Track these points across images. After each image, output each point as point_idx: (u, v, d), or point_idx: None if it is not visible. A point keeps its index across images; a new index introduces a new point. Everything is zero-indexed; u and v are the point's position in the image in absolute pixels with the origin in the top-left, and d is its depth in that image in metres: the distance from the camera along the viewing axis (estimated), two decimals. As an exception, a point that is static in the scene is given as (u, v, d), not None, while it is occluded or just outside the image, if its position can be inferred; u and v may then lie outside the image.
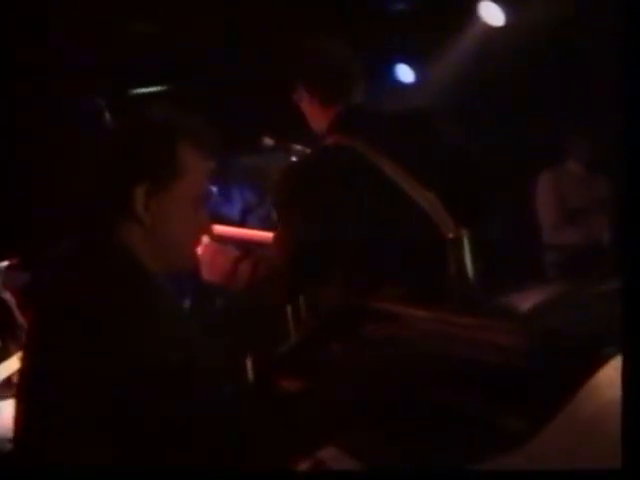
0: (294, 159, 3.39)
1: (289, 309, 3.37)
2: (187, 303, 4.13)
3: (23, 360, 1.88)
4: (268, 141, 3.56)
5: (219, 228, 3.11)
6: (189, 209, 1.93)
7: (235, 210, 6.34)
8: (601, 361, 1.50)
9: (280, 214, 2.98)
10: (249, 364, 2.48)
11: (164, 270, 1.95)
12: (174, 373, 1.71)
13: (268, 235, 3.05)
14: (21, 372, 1.87)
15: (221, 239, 3.04)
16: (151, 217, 1.86)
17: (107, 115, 2.81)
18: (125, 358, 1.67)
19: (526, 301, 1.85)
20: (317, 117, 3.04)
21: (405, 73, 7.31)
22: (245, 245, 3.09)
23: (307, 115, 3.10)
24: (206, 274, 3.00)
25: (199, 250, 2.98)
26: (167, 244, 1.93)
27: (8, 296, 3.95)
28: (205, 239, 3.00)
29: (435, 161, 2.86)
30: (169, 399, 1.69)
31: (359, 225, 2.79)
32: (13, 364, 3.47)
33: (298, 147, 3.42)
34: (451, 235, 2.37)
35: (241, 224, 6.15)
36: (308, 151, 3.31)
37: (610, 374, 1.47)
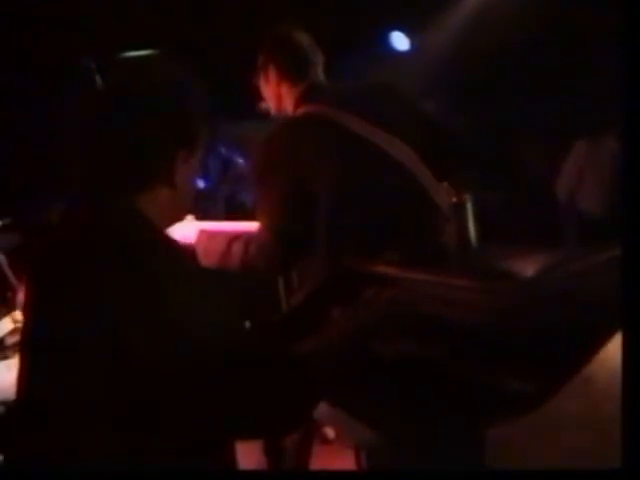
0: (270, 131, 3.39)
1: (281, 281, 3.37)
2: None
3: (25, 324, 1.86)
4: (265, 106, 3.54)
5: (209, 226, 3.16)
6: (199, 168, 1.97)
7: (228, 175, 6.33)
8: (610, 327, 1.50)
9: (260, 187, 2.98)
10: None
11: (167, 227, 1.95)
12: (192, 337, 1.72)
13: (254, 224, 3.06)
14: (24, 338, 1.86)
15: (212, 236, 3.07)
16: (179, 181, 1.88)
17: (97, 77, 2.78)
18: (148, 323, 1.67)
19: (531, 265, 1.84)
20: (282, 96, 3.07)
21: (400, 41, 7.28)
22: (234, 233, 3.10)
23: (270, 96, 3.13)
24: (203, 260, 3.02)
25: (193, 240, 3.02)
26: (184, 203, 1.97)
27: (0, 257, 3.93)
28: (196, 229, 3.06)
29: (405, 121, 2.90)
30: (184, 360, 1.69)
31: (341, 187, 2.78)
32: (4, 326, 3.45)
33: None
34: (454, 199, 2.35)
35: (234, 195, 6.16)
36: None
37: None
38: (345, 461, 3.30)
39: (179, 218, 2.04)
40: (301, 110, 3.00)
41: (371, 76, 3.44)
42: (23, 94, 6.10)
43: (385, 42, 7.20)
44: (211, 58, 6.47)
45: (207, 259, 3.01)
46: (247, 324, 2.42)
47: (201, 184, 6.38)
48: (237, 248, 2.95)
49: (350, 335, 1.90)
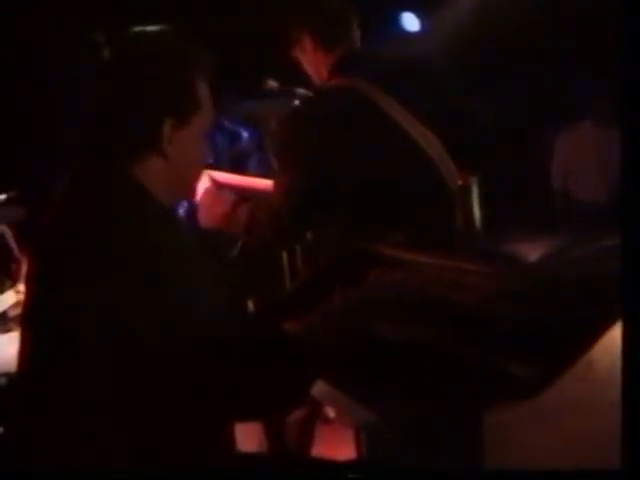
0: (297, 103, 3.36)
1: (285, 255, 3.36)
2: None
3: (27, 297, 1.86)
4: (272, 83, 3.52)
5: (219, 175, 3.11)
6: (201, 142, 1.95)
7: (234, 151, 6.32)
8: (613, 312, 1.49)
9: (280, 157, 2.96)
10: (251, 306, 2.48)
11: (169, 202, 1.94)
12: (194, 311, 1.71)
13: (267, 182, 3.04)
14: (24, 311, 1.86)
15: (220, 185, 3.03)
16: (173, 150, 1.86)
17: (106, 51, 2.76)
18: (146, 295, 1.66)
19: (535, 250, 1.83)
20: (319, 64, 3.02)
21: (411, 22, 7.24)
22: (243, 192, 3.07)
23: (308, 65, 3.09)
24: (205, 218, 2.99)
25: (198, 195, 2.98)
26: (183, 177, 1.95)
27: (4, 230, 3.92)
28: (203, 185, 3.01)
29: (440, 107, 2.87)
30: (184, 333, 1.68)
31: (363, 168, 2.77)
32: (8, 298, 3.45)
33: (302, 91, 3.40)
34: (460, 182, 2.34)
35: (239, 167, 6.15)
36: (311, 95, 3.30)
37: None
38: (345, 441, 3.29)
39: (183, 191, 2.01)
40: (334, 82, 2.96)
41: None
42: (28, 68, 6.08)
43: (395, 23, 7.17)
44: (219, 36, 6.45)
45: (209, 218, 2.98)
46: (250, 303, 2.43)
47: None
48: (243, 212, 2.93)
49: (350, 315, 1.89)
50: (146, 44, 1.91)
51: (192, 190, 2.09)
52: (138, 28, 1.95)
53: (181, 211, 3.49)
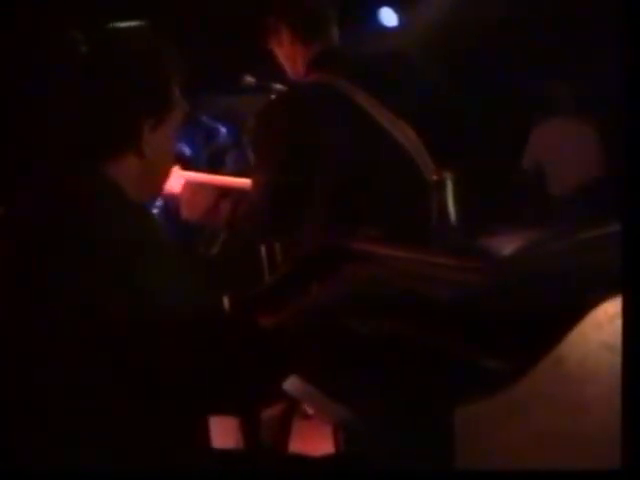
0: (273, 98, 3.36)
1: (263, 249, 3.35)
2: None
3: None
4: (249, 79, 3.52)
5: (197, 176, 3.11)
6: (173, 139, 1.96)
7: (210, 149, 6.32)
8: (585, 306, 1.49)
9: (258, 153, 2.96)
10: (226, 301, 2.47)
11: (141, 199, 1.94)
12: (170, 308, 1.71)
13: (244, 181, 3.04)
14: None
15: (200, 182, 3.03)
16: (148, 149, 1.86)
17: (83, 49, 2.75)
18: (117, 292, 1.66)
19: (508, 244, 1.83)
20: (296, 58, 3.02)
21: (389, 17, 7.24)
22: (223, 189, 3.06)
23: (285, 59, 3.08)
24: (186, 213, 2.99)
25: (179, 190, 2.97)
26: (155, 175, 1.96)
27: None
28: (182, 179, 3.00)
29: (416, 101, 2.87)
30: (161, 330, 1.68)
31: (339, 163, 2.78)
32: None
33: (279, 87, 3.39)
34: (435, 177, 2.34)
35: (217, 164, 6.14)
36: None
37: (598, 318, 1.46)
38: (324, 437, 3.29)
39: (154, 189, 2.02)
40: (311, 77, 2.96)
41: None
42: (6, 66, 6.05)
43: (374, 19, 7.17)
44: (197, 31, 6.44)
45: (190, 212, 2.98)
46: (225, 298, 2.41)
47: (186, 151, 6.36)
48: (225, 206, 2.92)
49: (324, 310, 1.89)
50: (125, 43, 1.91)
51: (162, 187, 2.09)
52: (116, 26, 1.95)
53: (160, 207, 3.48)
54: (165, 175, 2.03)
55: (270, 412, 3.09)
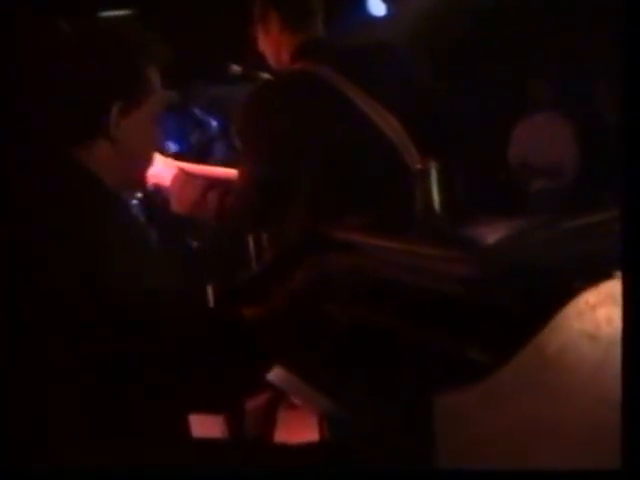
0: (259, 87, 3.35)
1: (251, 240, 3.35)
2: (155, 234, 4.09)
3: None
4: (236, 69, 3.51)
5: (187, 166, 3.10)
6: (151, 127, 1.94)
7: (199, 139, 6.30)
8: (567, 295, 1.49)
9: (244, 142, 2.95)
10: (210, 291, 2.47)
11: (121, 189, 1.93)
12: (140, 296, 1.70)
13: (232, 171, 3.03)
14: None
15: (189, 173, 3.02)
16: (120, 135, 1.85)
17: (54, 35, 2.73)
18: (88, 279, 1.65)
19: (492, 234, 1.83)
20: (281, 46, 3.01)
21: (377, 7, 7.22)
22: (212, 180, 3.05)
23: (270, 46, 3.07)
24: (175, 204, 2.99)
25: (169, 181, 2.96)
26: (131, 162, 1.94)
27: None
28: (173, 170, 2.99)
29: (401, 91, 2.87)
30: (132, 320, 1.67)
31: (324, 152, 2.77)
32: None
33: (266, 76, 3.38)
34: (419, 166, 2.34)
35: (205, 153, 6.12)
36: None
37: (579, 307, 1.45)
38: (310, 427, 3.29)
39: (132, 177, 1.99)
40: (297, 65, 2.95)
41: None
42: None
43: (361, 9, 7.15)
44: (187, 21, 6.43)
45: (179, 204, 2.98)
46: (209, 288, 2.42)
47: (174, 146, 6.35)
48: (213, 198, 2.92)
49: (307, 299, 1.89)
50: (94, 28, 1.90)
51: (142, 176, 2.07)
52: (88, 13, 1.94)
53: (142, 197, 3.47)
54: (144, 163, 2.01)
55: (255, 402, 3.09)
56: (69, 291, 1.64)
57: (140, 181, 2.11)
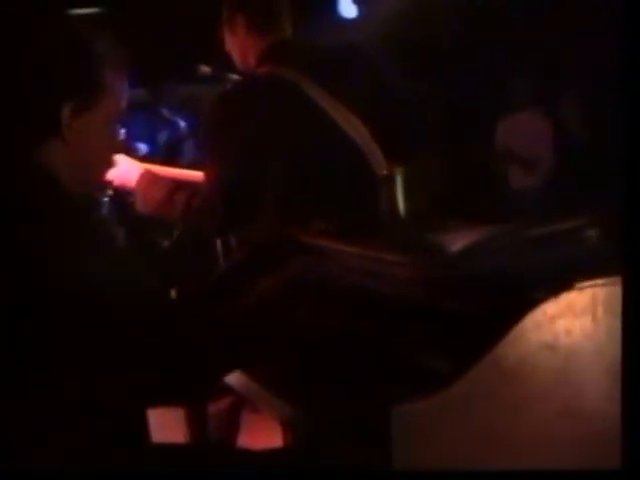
0: (228, 87, 3.34)
1: (219, 243, 3.34)
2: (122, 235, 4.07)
3: None
4: (205, 69, 3.50)
5: (154, 168, 3.08)
6: (108, 128, 1.92)
7: (167, 139, 6.29)
8: (528, 305, 1.49)
9: (210, 146, 2.95)
10: (173, 293, 2.45)
11: (80, 191, 1.92)
12: (102, 296, 1.69)
13: (199, 174, 3.02)
14: None
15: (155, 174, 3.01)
16: (74, 136, 1.83)
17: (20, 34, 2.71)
18: (52, 280, 1.64)
19: (457, 242, 1.83)
20: (248, 48, 3.00)
21: (348, 8, 7.22)
22: (178, 181, 3.04)
23: (236, 48, 3.06)
24: (140, 205, 2.97)
25: (134, 182, 2.95)
26: (87, 162, 1.92)
27: None
28: (139, 170, 2.98)
29: (368, 95, 2.87)
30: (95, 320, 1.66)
31: (291, 157, 2.77)
32: None
33: (235, 77, 3.38)
34: (385, 172, 2.34)
35: (173, 153, 6.11)
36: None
37: (538, 318, 1.45)
38: (274, 432, 3.28)
39: (90, 178, 1.96)
40: (264, 69, 2.94)
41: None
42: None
43: (332, 10, 7.15)
44: (156, 21, 6.41)
45: (145, 204, 2.96)
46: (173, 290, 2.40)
47: (143, 147, 6.33)
48: (179, 199, 2.90)
49: (270, 304, 1.88)
50: (46, 26, 1.88)
51: (100, 178, 2.05)
52: (56, 11, 1.92)
53: (110, 198, 3.45)
54: (102, 164, 1.98)
55: (218, 406, 3.07)
56: (28, 290, 1.62)
57: (99, 183, 2.08)
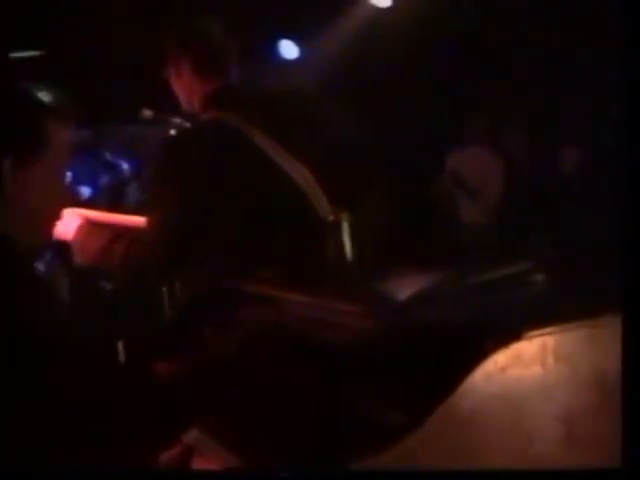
0: (172, 133, 3.33)
1: (165, 291, 3.32)
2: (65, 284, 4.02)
3: None
4: (147, 112, 3.49)
5: (92, 214, 3.04)
6: (53, 179, 1.89)
7: (110, 182, 6.22)
8: (478, 354, 1.49)
9: (153, 192, 2.92)
10: (120, 347, 2.42)
11: (28, 242, 1.88)
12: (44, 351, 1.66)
13: (141, 220, 2.99)
14: None
15: (94, 223, 2.97)
16: (17, 189, 1.80)
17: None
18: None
19: (404, 290, 1.82)
20: (193, 91, 2.99)
21: (289, 49, 7.25)
22: (119, 229, 3.01)
23: (181, 91, 3.05)
24: (78, 255, 2.93)
25: (72, 233, 2.91)
26: (32, 214, 1.88)
27: None
28: (78, 221, 2.94)
29: (312, 140, 2.87)
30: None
31: (235, 203, 2.75)
32: None
33: (177, 120, 3.36)
34: (331, 217, 2.33)
35: (117, 196, 6.05)
36: (187, 125, 3.26)
37: (488, 368, 1.46)
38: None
39: (37, 233, 1.94)
40: (209, 114, 2.93)
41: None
42: None
43: (273, 51, 7.16)
44: (98, 63, 6.38)
45: (83, 255, 2.91)
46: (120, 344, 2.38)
47: (85, 190, 6.25)
48: (118, 249, 2.87)
49: (224, 359, 1.86)
50: None
51: (47, 230, 2.02)
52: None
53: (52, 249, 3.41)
54: (48, 219, 1.95)
55: (168, 454, 3.03)
56: None
57: (46, 234, 2.04)
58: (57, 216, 2.01)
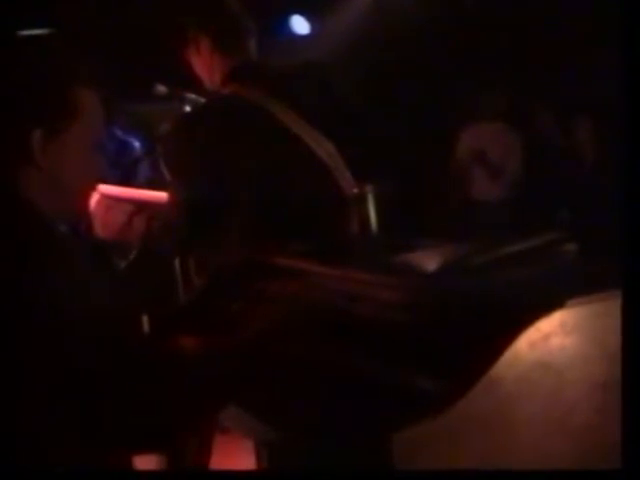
0: (187, 109, 3.32)
1: (177, 264, 3.31)
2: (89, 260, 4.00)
3: None
4: (161, 88, 3.47)
5: (109, 188, 3.03)
6: (86, 153, 1.85)
7: (124, 159, 6.21)
8: (517, 323, 1.48)
9: (173, 169, 2.92)
10: (145, 320, 2.41)
11: (61, 219, 1.87)
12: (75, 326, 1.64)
13: (160, 194, 2.98)
14: None
15: (114, 198, 2.96)
16: (49, 162, 1.77)
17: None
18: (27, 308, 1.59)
19: (432, 261, 1.81)
20: (213, 68, 2.99)
21: (300, 25, 7.22)
22: (137, 203, 3.00)
23: (201, 68, 3.05)
24: (99, 229, 2.92)
25: (91, 206, 2.90)
26: (65, 190, 1.85)
27: None
28: (96, 194, 2.92)
29: (334, 114, 2.87)
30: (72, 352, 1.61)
31: (259, 178, 2.75)
32: None
33: (192, 96, 3.35)
34: (355, 190, 2.32)
35: (130, 173, 6.03)
36: (202, 100, 3.25)
37: (531, 337, 1.45)
38: (245, 451, 3.24)
39: (68, 206, 1.91)
40: (230, 89, 2.93)
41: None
42: None
43: (285, 27, 7.14)
44: (114, 39, 6.36)
45: (104, 230, 2.91)
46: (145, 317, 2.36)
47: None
48: (138, 223, 2.87)
49: (256, 338, 1.83)
50: (13, 49, 1.84)
51: (79, 204, 1.98)
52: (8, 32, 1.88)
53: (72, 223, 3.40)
54: (80, 191, 1.91)
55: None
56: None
57: (79, 210, 1.99)
58: (89, 193, 1.99)
